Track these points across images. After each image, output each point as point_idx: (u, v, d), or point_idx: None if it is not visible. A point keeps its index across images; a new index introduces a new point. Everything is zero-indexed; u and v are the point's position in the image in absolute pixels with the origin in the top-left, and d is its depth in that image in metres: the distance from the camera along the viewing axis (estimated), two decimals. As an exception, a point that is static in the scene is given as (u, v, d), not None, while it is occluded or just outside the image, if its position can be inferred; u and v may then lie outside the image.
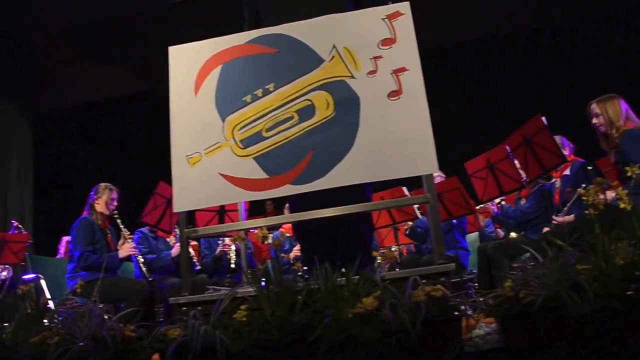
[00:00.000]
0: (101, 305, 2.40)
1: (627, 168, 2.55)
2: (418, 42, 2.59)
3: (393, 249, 6.52)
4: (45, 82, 9.48)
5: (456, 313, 2.02)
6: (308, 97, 2.59)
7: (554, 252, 2.08)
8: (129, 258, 5.16)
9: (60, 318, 2.33)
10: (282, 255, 6.02)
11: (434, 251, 2.50)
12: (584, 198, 2.25)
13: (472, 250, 6.05)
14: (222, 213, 5.45)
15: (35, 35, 8.76)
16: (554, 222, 4.83)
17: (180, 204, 2.63)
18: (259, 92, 2.64)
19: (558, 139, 5.06)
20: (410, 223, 6.18)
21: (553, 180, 5.30)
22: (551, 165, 4.53)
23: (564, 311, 1.90)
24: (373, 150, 2.50)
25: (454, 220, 5.81)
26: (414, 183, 3.29)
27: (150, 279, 4.96)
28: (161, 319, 4.62)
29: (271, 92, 2.63)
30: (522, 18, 9.10)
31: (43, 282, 5.16)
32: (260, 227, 2.81)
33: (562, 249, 2.12)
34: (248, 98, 2.65)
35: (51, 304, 3.68)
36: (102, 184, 5.15)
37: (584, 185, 4.68)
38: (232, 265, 5.75)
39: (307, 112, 2.58)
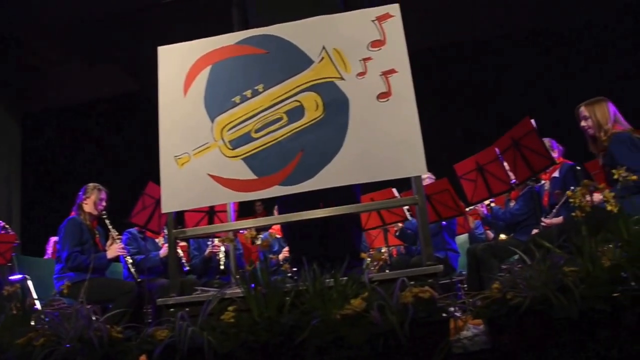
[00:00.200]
0: (89, 306, 2.38)
1: (613, 171, 2.56)
2: (408, 44, 2.59)
3: (383, 250, 6.53)
4: (34, 81, 9.42)
5: (444, 314, 2.02)
6: (297, 98, 2.59)
7: (542, 254, 2.09)
8: (117, 259, 5.13)
9: (46, 319, 2.31)
10: (271, 256, 6.01)
11: (422, 253, 2.51)
12: (571, 200, 2.26)
13: (461, 252, 6.07)
14: (211, 214, 5.43)
15: (24, 33, 8.70)
16: (542, 224, 4.85)
17: (168, 205, 2.62)
18: (248, 92, 2.64)
19: (547, 141, 5.08)
20: (400, 224, 6.18)
21: (542, 182, 5.33)
22: (540, 167, 4.55)
23: (551, 313, 1.91)
24: (362, 152, 2.50)
25: (444, 222, 5.83)
26: (404, 184, 3.30)
27: (138, 279, 4.94)
28: (150, 320, 4.60)
29: (260, 93, 2.63)
30: (512, 21, 9.14)
31: (30, 283, 5.12)
32: (249, 228, 2.82)
33: (550, 251, 2.13)
34: (237, 99, 2.64)
35: (38, 305, 3.66)
36: (91, 184, 5.11)
37: (572, 187, 4.71)
38: (222, 267, 5.73)
39: (296, 113, 2.58)
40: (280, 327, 2.01)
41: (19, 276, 5.36)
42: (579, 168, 4.79)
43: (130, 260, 5.05)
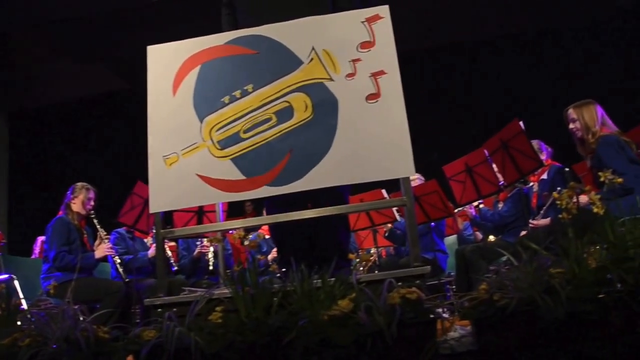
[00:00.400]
0: (76, 306, 2.37)
1: (600, 173, 2.58)
2: (397, 46, 2.60)
3: (372, 251, 6.54)
4: (22, 79, 9.36)
5: (431, 315, 2.03)
6: (286, 99, 2.59)
7: (529, 255, 2.10)
8: (105, 259, 5.10)
9: (32, 319, 2.30)
10: (260, 257, 6.00)
11: (410, 254, 2.51)
12: (558, 202, 2.27)
13: (450, 253, 6.08)
14: (200, 214, 5.42)
15: (11, 30, 8.63)
16: (530, 225, 4.87)
17: (156, 205, 2.62)
18: (237, 93, 2.63)
19: (536, 143, 5.11)
20: (389, 225, 6.19)
21: (531, 184, 5.36)
22: (528, 169, 4.58)
23: (538, 314, 1.92)
24: (351, 153, 2.50)
25: (432, 223, 5.84)
26: (393, 185, 3.30)
27: (126, 279, 4.92)
28: (138, 321, 4.58)
29: (250, 93, 2.62)
30: (503, 23, 9.18)
31: (16, 283, 5.07)
32: (238, 229, 2.81)
33: (537, 252, 2.14)
34: (226, 99, 2.64)
35: (24, 305, 3.63)
36: (79, 184, 5.08)
37: (558, 188, 4.74)
38: (210, 267, 5.72)
39: (285, 113, 2.58)
40: (267, 327, 2.01)
41: (5, 276, 5.30)
42: (567, 170, 4.82)
43: (119, 260, 5.03)
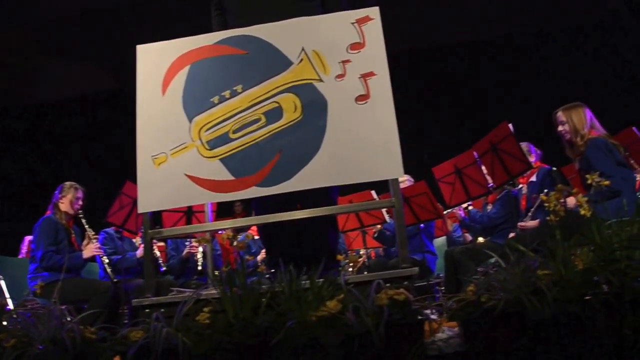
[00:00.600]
0: (63, 307, 2.35)
1: (587, 176, 2.59)
2: (387, 47, 2.60)
3: (361, 252, 6.54)
4: (9, 78, 9.29)
5: (419, 317, 2.04)
6: (276, 100, 2.59)
7: (516, 257, 2.11)
8: (93, 259, 5.07)
9: (18, 320, 2.28)
10: (248, 257, 5.99)
11: (399, 255, 2.52)
12: (546, 204, 2.29)
13: (439, 255, 6.09)
14: (189, 214, 5.40)
15: (-1, 29, 8.58)
16: (519, 227, 4.90)
17: (144, 205, 2.61)
18: (226, 93, 2.63)
19: (525, 145, 5.13)
20: (378, 226, 6.20)
21: (520, 186, 5.38)
22: (517, 171, 4.61)
23: (525, 315, 1.93)
24: (339, 154, 2.50)
25: (422, 225, 5.85)
26: (382, 186, 3.31)
27: (115, 280, 4.89)
28: (126, 321, 4.56)
29: (239, 93, 2.62)
30: (492, 25, 9.22)
31: (3, 283, 5.03)
32: (227, 229, 2.81)
33: (524, 254, 2.15)
34: (216, 99, 2.63)
35: (11, 305, 3.61)
36: (67, 183, 5.05)
37: (545, 190, 4.77)
38: (199, 267, 5.70)
39: (274, 114, 2.58)
40: (255, 328, 2.01)
41: (-8, 276, 5.28)
42: (554, 169, 4.84)
43: (107, 260, 4.99)
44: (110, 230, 5.62)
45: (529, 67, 9.14)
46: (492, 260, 4.18)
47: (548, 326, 1.93)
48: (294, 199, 2.64)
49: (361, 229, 6.07)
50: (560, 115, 4.16)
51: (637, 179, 4.86)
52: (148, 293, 2.54)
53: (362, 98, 2.54)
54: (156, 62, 2.75)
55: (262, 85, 2.61)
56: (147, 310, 2.43)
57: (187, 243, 5.93)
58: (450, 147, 5.62)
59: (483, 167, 4.95)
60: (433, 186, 5.37)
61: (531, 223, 4.86)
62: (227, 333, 2.04)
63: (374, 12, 2.65)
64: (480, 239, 5.52)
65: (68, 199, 4.95)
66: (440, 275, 5.90)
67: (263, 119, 2.58)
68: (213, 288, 2.30)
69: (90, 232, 5.01)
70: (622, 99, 8.33)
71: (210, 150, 2.58)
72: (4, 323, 2.40)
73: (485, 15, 8.94)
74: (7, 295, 4.77)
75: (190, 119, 2.64)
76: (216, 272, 3.09)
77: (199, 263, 5.72)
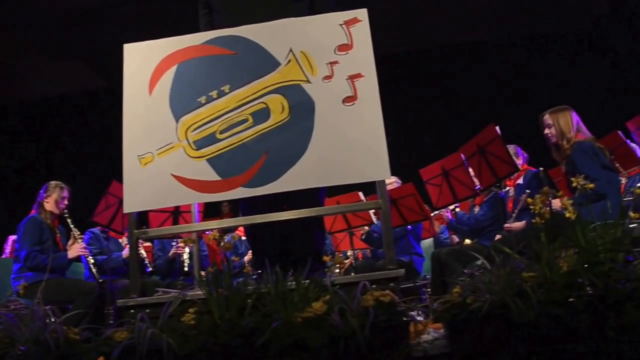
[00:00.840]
0: (47, 307, 2.33)
1: (572, 179, 2.61)
2: (376, 49, 2.61)
3: (349, 253, 6.55)
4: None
5: (405, 318, 2.04)
6: (263, 100, 2.58)
7: (502, 259, 2.12)
8: (78, 259, 5.04)
9: (1, 320, 2.25)
10: (234, 258, 5.98)
11: (385, 256, 2.52)
12: (531, 207, 2.30)
13: (426, 256, 6.11)
14: (176, 214, 5.38)
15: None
16: (505, 228, 4.92)
17: (130, 205, 2.59)
18: (214, 93, 2.62)
19: (512, 148, 5.17)
20: (366, 228, 6.21)
21: (507, 188, 5.41)
22: (504, 174, 4.63)
23: (509, 317, 1.94)
24: (326, 155, 2.50)
25: (409, 226, 5.87)
26: (370, 188, 3.32)
27: (100, 280, 4.86)
28: (111, 322, 4.53)
29: (226, 93, 2.61)
30: (481, 28, 9.27)
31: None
32: (213, 230, 2.80)
33: (510, 256, 2.16)
34: (203, 99, 2.62)
35: (-6, 305, 3.57)
36: (53, 182, 5.01)
37: (527, 191, 4.80)
38: (186, 268, 5.68)
39: (261, 115, 2.57)
40: (240, 329, 2.01)
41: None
42: (541, 169, 4.86)
43: (92, 261, 4.96)
44: (96, 230, 5.58)
45: (516, 70, 9.19)
46: (479, 262, 4.21)
47: (532, 328, 1.94)
48: (280, 199, 2.64)
49: (349, 230, 6.08)
50: (547, 118, 4.18)
51: (622, 182, 4.91)
52: (133, 293, 2.53)
53: (350, 99, 2.54)
54: (143, 61, 2.73)
55: (250, 86, 2.60)
56: (132, 311, 2.42)
57: (173, 243, 5.91)
58: (437, 149, 5.63)
59: (470, 169, 4.97)
60: (420, 188, 5.39)
61: (517, 224, 4.89)
62: (212, 334, 2.03)
63: (362, 14, 2.65)
64: (467, 241, 5.55)
65: (53, 199, 4.91)
66: (427, 276, 5.92)
67: (250, 120, 2.57)
68: (199, 289, 2.29)
69: (75, 232, 4.97)
70: (608, 102, 8.40)
71: (197, 150, 2.57)
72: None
73: (475, 19, 8.98)
74: (-10, 295, 4.73)
75: (177, 119, 2.63)
76: (203, 273, 3.08)
77: (186, 264, 5.70)
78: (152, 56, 2.73)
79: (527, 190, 4.83)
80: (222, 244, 2.52)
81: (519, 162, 5.19)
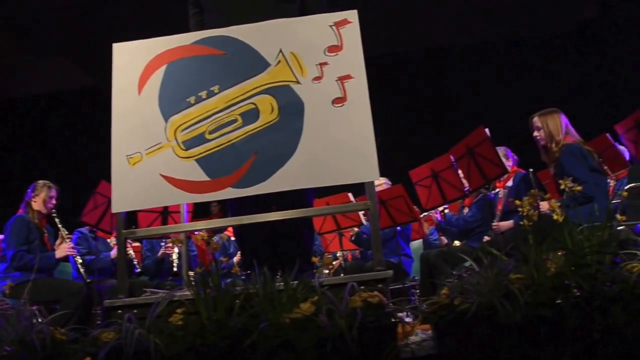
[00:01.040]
0: (33, 307, 2.32)
1: (560, 181, 2.62)
2: (365, 50, 2.61)
3: (338, 254, 6.54)
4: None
5: (393, 319, 2.04)
6: (253, 101, 2.58)
7: (489, 261, 2.13)
8: (66, 259, 5.00)
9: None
10: (223, 259, 5.96)
11: (373, 258, 2.52)
12: (520, 209, 2.31)
13: (415, 258, 6.12)
14: (165, 214, 5.35)
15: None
16: (492, 226, 4.94)
17: (118, 205, 2.58)
18: (203, 93, 2.61)
19: (502, 150, 5.19)
20: (355, 229, 6.21)
21: (497, 190, 5.42)
22: (493, 175, 4.64)
23: (497, 318, 1.95)
24: (315, 156, 2.50)
25: (398, 227, 5.87)
26: (360, 189, 3.32)
27: (88, 280, 4.83)
28: (99, 322, 4.51)
29: (216, 94, 2.61)
30: (471, 30, 9.29)
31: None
32: (201, 230, 2.79)
33: (498, 258, 2.17)
34: (192, 99, 2.62)
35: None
36: (41, 181, 4.97)
37: (510, 199, 4.82)
38: (175, 269, 5.66)
39: (251, 115, 2.57)
40: (228, 330, 2.01)
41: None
42: (531, 170, 4.88)
43: (80, 261, 4.93)
44: (85, 230, 5.55)
45: (506, 72, 9.22)
46: (467, 263, 4.22)
47: (520, 329, 1.95)
48: (269, 200, 2.64)
49: (338, 231, 6.08)
50: (536, 120, 4.21)
51: (611, 184, 4.93)
52: (121, 294, 2.52)
53: (339, 101, 2.54)
54: (132, 60, 2.72)
55: (239, 86, 2.60)
56: (119, 312, 2.41)
57: (162, 244, 5.88)
58: (427, 151, 5.65)
59: (459, 171, 4.98)
60: (410, 189, 5.39)
61: (504, 224, 4.92)
62: (200, 335, 2.03)
63: (352, 15, 2.65)
64: (457, 243, 5.57)
65: (41, 198, 4.88)
66: (416, 278, 5.93)
67: (239, 120, 2.57)
68: (187, 289, 2.28)
69: (63, 232, 4.94)
70: (597, 105, 8.45)
71: (185, 150, 2.57)
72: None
73: (465, 21, 9.01)
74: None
75: (166, 119, 2.62)
76: (191, 273, 3.07)
77: (175, 264, 5.68)
78: (142, 56, 2.72)
79: (510, 199, 4.85)
80: (210, 244, 2.52)
81: (509, 164, 5.21)
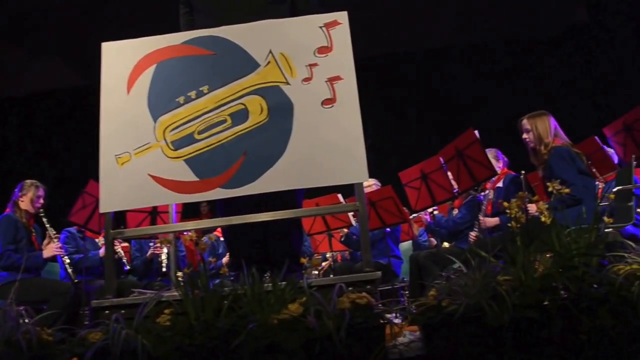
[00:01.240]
0: (20, 308, 2.30)
1: (548, 184, 2.64)
2: (355, 52, 2.61)
3: (327, 255, 6.54)
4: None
5: (381, 320, 2.05)
6: (242, 101, 2.57)
7: (477, 263, 2.14)
8: (54, 259, 4.97)
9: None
10: (211, 259, 5.94)
11: (362, 259, 2.52)
12: (507, 211, 2.32)
13: (405, 259, 6.13)
14: (154, 214, 5.33)
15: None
16: (480, 220, 4.97)
17: (106, 205, 2.57)
18: (192, 93, 2.61)
19: (493, 151, 5.21)
20: (345, 230, 6.21)
21: (487, 191, 5.44)
22: (482, 177, 4.66)
23: (484, 320, 1.96)
24: (305, 157, 2.50)
25: (388, 229, 5.88)
26: (349, 190, 3.33)
27: (76, 280, 4.80)
28: (87, 323, 4.48)
29: (205, 94, 2.60)
30: (462, 32, 9.32)
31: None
32: (190, 230, 2.78)
33: (486, 260, 2.18)
34: (181, 99, 2.61)
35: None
36: (28, 181, 4.94)
37: (499, 200, 4.85)
38: (164, 269, 5.64)
39: (240, 116, 2.56)
40: (216, 330, 2.00)
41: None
42: (523, 172, 4.90)
43: (68, 260, 4.91)
44: (73, 229, 5.52)
45: (496, 75, 9.26)
46: (456, 265, 4.24)
47: (507, 331, 1.96)
48: (258, 201, 2.63)
49: (328, 232, 6.07)
50: (525, 123, 4.23)
51: (600, 187, 4.96)
52: (109, 294, 2.50)
53: (328, 102, 2.54)
54: (121, 60, 2.71)
55: (229, 87, 2.59)
56: (107, 312, 2.39)
57: (151, 244, 5.86)
58: (417, 153, 5.66)
59: (449, 173, 5.00)
60: (399, 191, 5.40)
61: (491, 220, 4.95)
62: (187, 335, 2.03)
63: (342, 16, 2.65)
64: (446, 244, 5.58)
65: (29, 197, 4.84)
66: (405, 279, 5.94)
67: (229, 121, 2.56)
68: (175, 290, 2.27)
69: (51, 232, 4.91)
70: (586, 108, 8.51)
71: (174, 150, 2.56)
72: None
73: (456, 23, 9.04)
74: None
75: (155, 119, 2.61)
76: (180, 274, 3.06)
77: (164, 264, 5.66)
78: (131, 55, 2.71)
79: (499, 200, 4.88)
80: (198, 244, 2.51)
81: (499, 165, 5.23)
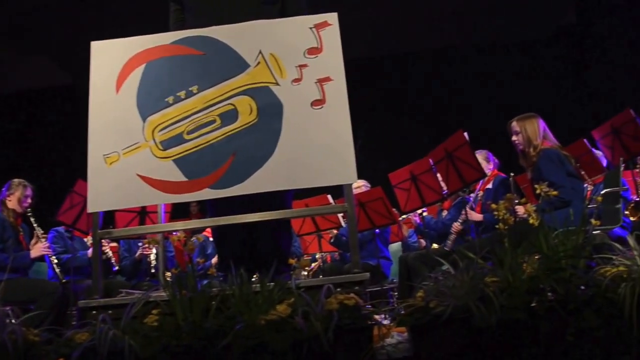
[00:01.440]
0: (7, 308, 2.28)
1: (536, 186, 2.65)
2: (345, 53, 2.61)
3: (317, 256, 6.54)
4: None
5: (369, 322, 2.05)
6: (231, 102, 2.57)
7: (465, 264, 2.15)
8: (42, 258, 4.94)
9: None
10: (199, 260, 5.92)
11: (351, 260, 2.53)
12: (495, 213, 2.33)
13: (394, 260, 6.14)
14: (143, 214, 5.31)
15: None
16: (466, 212, 4.99)
17: (94, 204, 2.56)
18: (182, 93, 2.60)
19: (484, 153, 5.23)
20: (334, 231, 6.21)
21: (476, 192, 5.46)
22: (471, 179, 4.68)
23: (472, 321, 1.96)
24: (294, 158, 2.50)
25: (377, 230, 5.89)
26: (339, 191, 3.33)
27: (64, 280, 4.77)
28: (74, 323, 4.45)
29: (194, 94, 2.59)
30: (453, 33, 9.36)
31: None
32: (178, 230, 2.77)
33: (474, 261, 2.18)
34: (170, 99, 2.60)
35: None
36: (16, 180, 4.90)
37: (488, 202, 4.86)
38: (152, 270, 5.61)
39: (229, 116, 2.56)
40: (203, 331, 2.00)
41: None
42: (512, 174, 4.92)
43: (56, 260, 4.87)
44: (61, 229, 5.48)
45: (485, 77, 9.29)
46: (445, 267, 4.25)
47: (495, 332, 1.96)
48: (247, 201, 2.63)
49: (317, 233, 6.07)
50: (515, 125, 4.24)
51: (589, 189, 5.00)
52: (96, 294, 2.49)
53: (318, 103, 2.54)
54: (110, 59, 2.70)
55: (218, 87, 2.59)
56: (94, 312, 2.38)
57: (140, 244, 5.83)
58: (406, 154, 5.67)
59: (438, 174, 5.01)
60: (389, 192, 5.41)
61: (475, 215, 4.97)
62: (175, 336, 2.02)
63: (332, 17, 2.66)
64: (435, 245, 5.60)
65: (16, 197, 4.80)
66: (395, 280, 5.95)
67: (218, 121, 2.56)
68: (163, 290, 2.27)
69: (39, 231, 4.87)
70: (575, 111, 8.56)
71: (163, 150, 2.55)
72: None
73: (445, 25, 9.07)
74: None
75: (144, 119, 2.60)
76: (168, 274, 3.05)
77: (152, 265, 5.63)
78: (120, 54, 2.70)
79: (488, 201, 4.90)
80: (187, 245, 2.50)
81: (490, 167, 5.25)
